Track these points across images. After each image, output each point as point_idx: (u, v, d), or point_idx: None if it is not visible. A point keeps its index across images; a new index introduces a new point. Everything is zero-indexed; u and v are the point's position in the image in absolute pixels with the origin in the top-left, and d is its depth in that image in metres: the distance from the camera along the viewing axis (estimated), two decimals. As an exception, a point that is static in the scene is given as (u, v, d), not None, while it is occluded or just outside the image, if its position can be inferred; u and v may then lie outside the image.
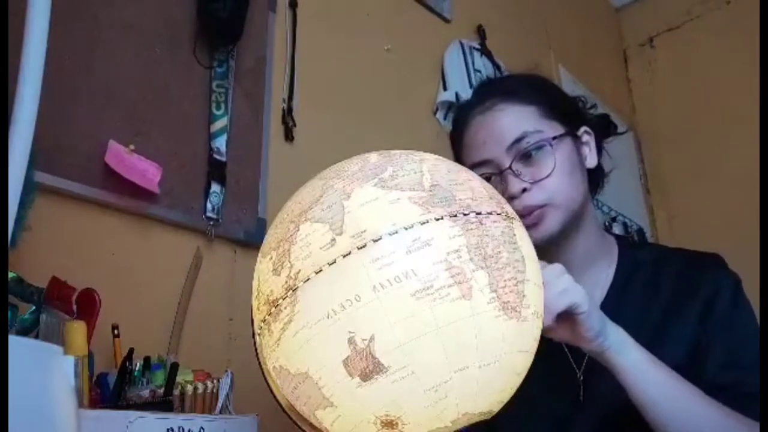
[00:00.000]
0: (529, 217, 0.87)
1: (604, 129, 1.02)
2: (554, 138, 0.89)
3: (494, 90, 0.95)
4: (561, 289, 0.72)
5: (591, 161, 0.97)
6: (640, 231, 2.39)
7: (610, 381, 0.79)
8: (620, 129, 1.06)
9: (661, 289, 0.92)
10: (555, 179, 0.88)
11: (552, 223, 0.88)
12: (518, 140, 0.89)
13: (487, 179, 0.90)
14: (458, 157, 0.98)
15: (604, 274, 0.96)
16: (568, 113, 0.95)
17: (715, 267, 0.94)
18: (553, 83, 1.03)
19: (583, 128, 0.96)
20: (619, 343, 0.77)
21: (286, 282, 0.53)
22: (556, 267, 0.74)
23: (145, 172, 1.06)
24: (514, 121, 0.90)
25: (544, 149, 0.89)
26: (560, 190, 0.88)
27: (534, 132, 0.89)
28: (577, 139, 0.95)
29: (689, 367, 0.82)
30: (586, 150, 0.96)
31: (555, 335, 0.76)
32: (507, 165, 0.89)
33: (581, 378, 0.91)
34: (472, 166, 0.91)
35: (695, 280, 0.91)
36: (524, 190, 0.88)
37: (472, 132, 0.94)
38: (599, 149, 0.99)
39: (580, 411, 0.90)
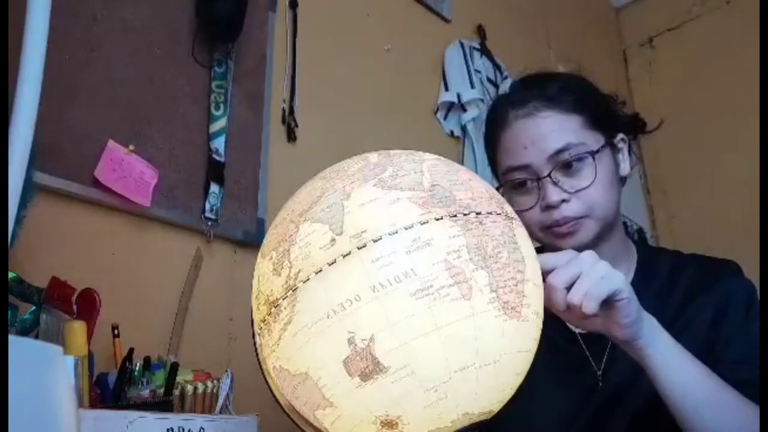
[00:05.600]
0: (565, 227, 0.87)
1: (635, 130, 1.01)
2: (597, 151, 0.89)
3: (537, 93, 0.93)
4: (600, 276, 0.68)
5: (625, 168, 0.96)
6: (640, 231, 2.38)
7: (628, 374, 0.78)
8: (649, 127, 1.03)
9: (672, 296, 0.92)
10: (594, 190, 0.88)
11: (587, 234, 0.88)
12: (561, 151, 0.88)
13: (522, 183, 0.90)
14: (492, 156, 0.97)
15: None
16: (608, 122, 0.95)
17: (730, 273, 0.93)
18: (594, 86, 1.00)
19: (620, 136, 0.96)
20: (651, 332, 0.74)
21: (286, 282, 0.53)
22: (588, 254, 0.70)
23: (143, 174, 1.07)
24: (557, 130, 0.89)
25: (586, 161, 0.89)
26: (599, 202, 0.88)
27: (578, 144, 0.89)
28: (614, 147, 0.95)
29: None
30: (620, 157, 0.96)
31: (591, 325, 0.73)
32: (546, 173, 0.88)
33: (600, 373, 0.91)
34: (509, 169, 0.91)
35: (708, 285, 0.91)
36: (563, 200, 0.87)
37: (512, 135, 0.92)
38: (629, 152, 0.98)
39: (595, 404, 0.90)
